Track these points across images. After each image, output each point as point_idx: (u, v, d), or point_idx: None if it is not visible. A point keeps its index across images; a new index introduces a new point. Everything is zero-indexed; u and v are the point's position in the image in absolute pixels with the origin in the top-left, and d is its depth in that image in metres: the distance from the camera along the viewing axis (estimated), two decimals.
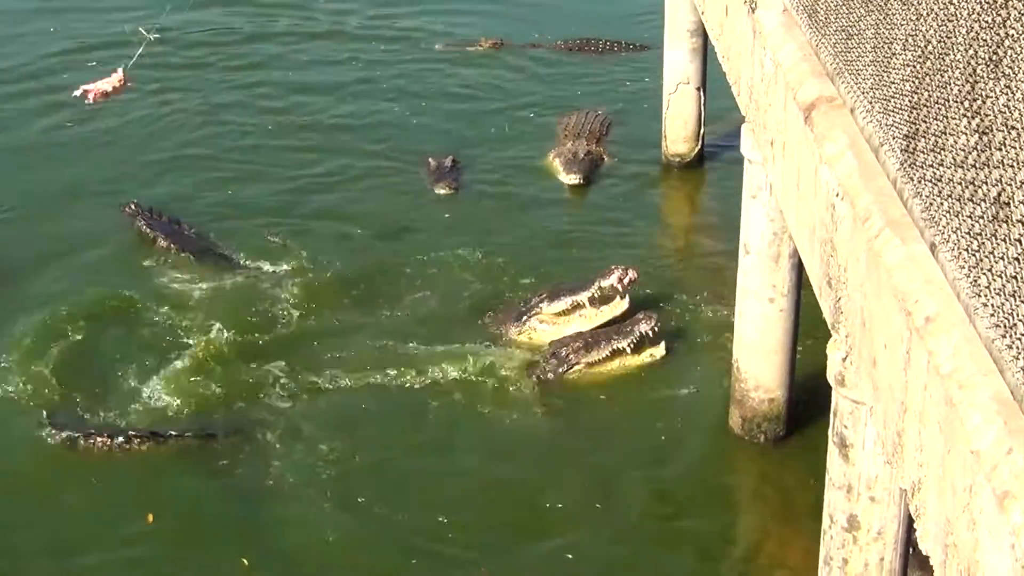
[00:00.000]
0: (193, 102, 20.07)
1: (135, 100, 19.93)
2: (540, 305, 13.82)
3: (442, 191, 17.15)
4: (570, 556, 10.88)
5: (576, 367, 13.12)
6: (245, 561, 10.76)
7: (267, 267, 15.24)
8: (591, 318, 13.68)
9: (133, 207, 16.47)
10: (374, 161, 18.18)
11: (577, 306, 13.71)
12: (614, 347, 13.19)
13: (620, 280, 13.56)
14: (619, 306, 13.65)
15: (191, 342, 13.67)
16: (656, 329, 13.21)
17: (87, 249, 15.73)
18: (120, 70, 13.73)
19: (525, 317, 13.82)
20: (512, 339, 13.77)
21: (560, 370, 13.10)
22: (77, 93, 13.80)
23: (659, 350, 13.26)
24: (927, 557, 5.94)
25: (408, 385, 13.11)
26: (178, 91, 20.51)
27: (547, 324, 13.73)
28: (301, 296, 14.62)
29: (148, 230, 15.87)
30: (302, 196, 17.14)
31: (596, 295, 13.67)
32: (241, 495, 11.70)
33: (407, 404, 12.90)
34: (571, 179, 17.36)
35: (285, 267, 15.24)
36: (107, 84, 13.63)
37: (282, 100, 20.13)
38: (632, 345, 13.21)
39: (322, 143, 18.69)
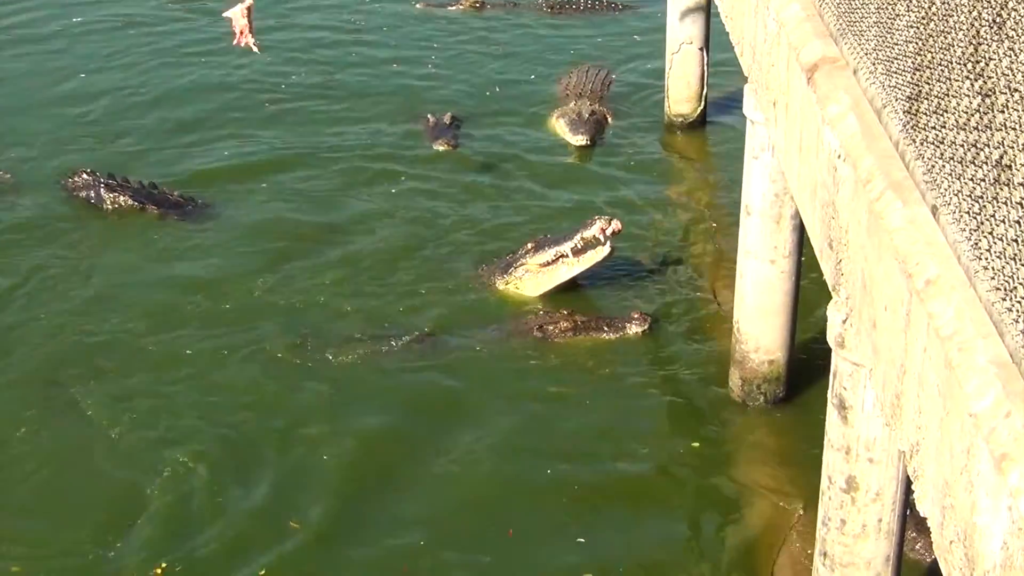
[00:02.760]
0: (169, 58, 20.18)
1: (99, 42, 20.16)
2: (526, 256, 13.95)
3: (441, 148, 17.13)
4: (567, 520, 10.92)
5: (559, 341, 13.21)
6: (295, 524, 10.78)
7: (270, 218, 15.33)
8: (573, 265, 13.77)
9: (87, 176, 15.81)
10: (368, 117, 18.18)
11: (560, 256, 13.78)
12: (601, 336, 13.21)
13: (603, 230, 13.60)
14: (600, 252, 13.69)
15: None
16: (647, 331, 13.18)
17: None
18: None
19: (512, 268, 13.98)
20: (500, 290, 13.93)
21: (543, 344, 13.14)
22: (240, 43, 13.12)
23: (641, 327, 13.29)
24: (925, 518, 5.97)
25: (396, 330, 13.23)
26: (157, 51, 20.61)
27: (532, 273, 13.86)
28: (302, 248, 14.74)
29: (132, 200, 15.42)
30: (298, 155, 17.11)
31: (579, 245, 13.73)
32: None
33: (401, 349, 12.99)
34: (578, 140, 17.34)
35: (285, 222, 15.31)
36: (238, 18, 12.89)
37: (269, 63, 20.11)
38: (618, 336, 13.24)
39: (313, 102, 18.66)
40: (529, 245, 14.06)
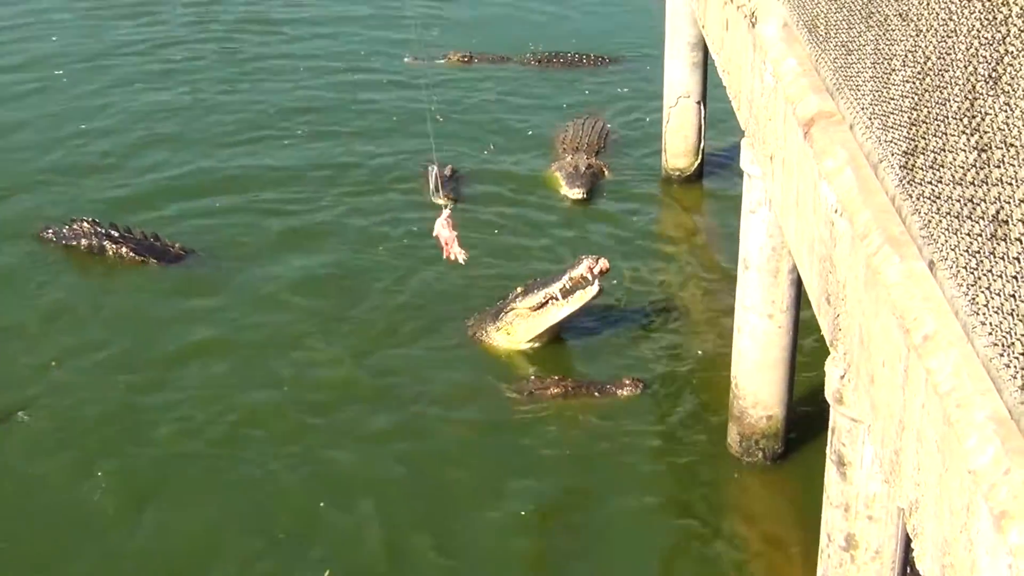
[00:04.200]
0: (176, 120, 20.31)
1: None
2: (516, 301, 13.94)
3: (441, 200, 17.13)
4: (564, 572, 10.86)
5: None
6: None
7: (268, 271, 15.38)
8: (563, 306, 13.74)
9: (88, 225, 15.72)
10: (368, 169, 18.26)
11: (550, 298, 13.77)
12: (592, 400, 13.07)
13: (590, 269, 13.56)
14: (589, 292, 13.66)
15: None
16: (638, 393, 13.08)
17: None
18: (446, 212, 13.20)
19: (503, 313, 13.98)
20: (491, 337, 13.95)
21: (534, 405, 13.06)
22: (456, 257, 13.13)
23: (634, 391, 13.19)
24: None
25: (389, 392, 13.20)
26: (170, 90, 20.96)
27: (523, 318, 13.86)
28: (299, 298, 14.81)
29: (133, 253, 15.35)
30: (296, 207, 17.15)
31: (568, 286, 13.69)
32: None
33: (392, 413, 12.94)
34: (575, 193, 17.41)
35: (285, 271, 15.39)
36: (447, 232, 13.04)
37: (267, 116, 20.26)
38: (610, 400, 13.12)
39: (311, 156, 18.75)
40: (519, 290, 14.08)
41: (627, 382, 13.15)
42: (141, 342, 14.04)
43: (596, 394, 13.13)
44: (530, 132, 19.54)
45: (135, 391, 13.19)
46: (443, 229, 12.94)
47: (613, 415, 12.90)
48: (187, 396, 13.11)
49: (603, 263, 13.65)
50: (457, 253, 12.94)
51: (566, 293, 13.71)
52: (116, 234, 15.66)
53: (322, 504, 11.60)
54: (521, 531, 11.37)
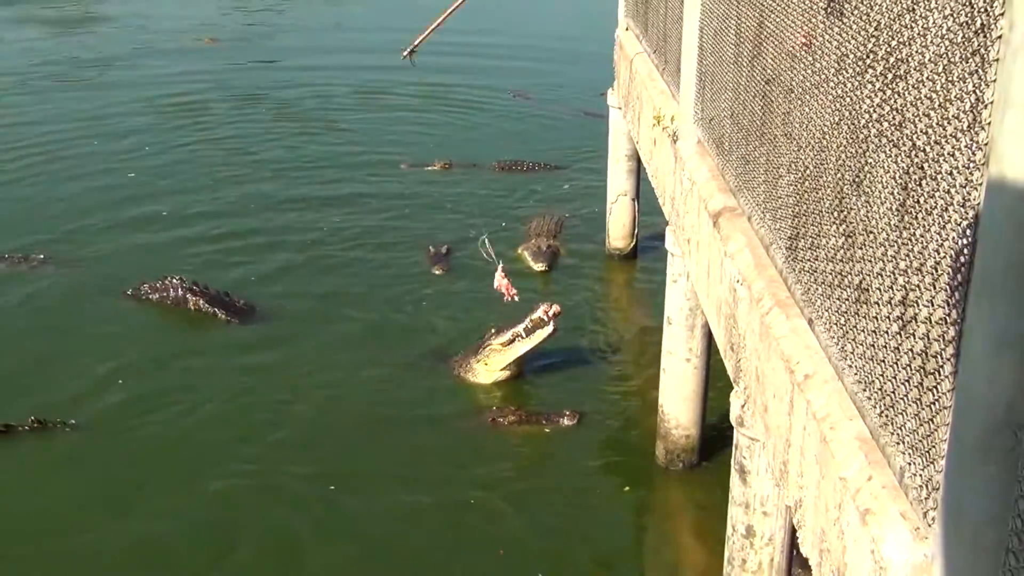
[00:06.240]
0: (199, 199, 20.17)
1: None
2: (490, 339, 13.90)
3: (438, 271, 17.24)
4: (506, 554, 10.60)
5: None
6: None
7: (305, 326, 15.21)
8: (526, 342, 13.69)
9: (177, 281, 15.22)
10: (380, 248, 18.20)
11: (516, 336, 13.73)
12: (540, 426, 12.86)
13: (545, 312, 13.59)
14: (546, 330, 13.61)
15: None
16: (575, 423, 12.85)
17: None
18: (500, 269, 13.99)
19: (481, 348, 13.94)
20: (472, 367, 13.87)
21: (496, 430, 12.88)
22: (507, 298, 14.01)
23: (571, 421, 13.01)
24: (807, 558, 5.92)
25: (376, 414, 12.98)
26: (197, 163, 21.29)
27: (496, 352, 13.80)
28: (313, 352, 14.54)
29: (208, 306, 14.95)
30: (317, 273, 17.03)
31: (529, 326, 13.68)
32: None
33: (377, 430, 12.71)
34: (539, 266, 17.46)
35: (324, 324, 15.20)
36: (504, 281, 14.04)
37: (281, 202, 20.12)
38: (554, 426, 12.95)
39: (334, 234, 18.70)
40: (492, 330, 14.03)
41: (566, 413, 12.97)
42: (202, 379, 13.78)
43: (543, 421, 12.97)
44: (504, 224, 19.51)
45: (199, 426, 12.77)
46: (501, 280, 14.02)
47: (557, 439, 12.66)
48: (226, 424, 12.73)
49: (555, 308, 13.68)
50: (513, 293, 14.06)
51: (528, 332, 13.68)
52: (197, 288, 15.36)
53: (332, 487, 11.47)
54: (477, 512, 11.20)
